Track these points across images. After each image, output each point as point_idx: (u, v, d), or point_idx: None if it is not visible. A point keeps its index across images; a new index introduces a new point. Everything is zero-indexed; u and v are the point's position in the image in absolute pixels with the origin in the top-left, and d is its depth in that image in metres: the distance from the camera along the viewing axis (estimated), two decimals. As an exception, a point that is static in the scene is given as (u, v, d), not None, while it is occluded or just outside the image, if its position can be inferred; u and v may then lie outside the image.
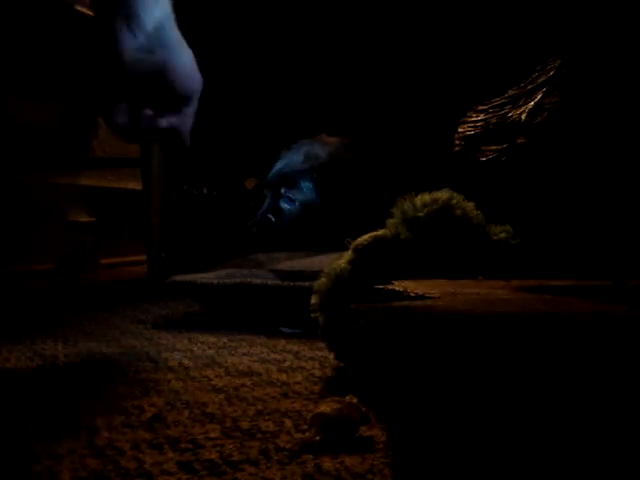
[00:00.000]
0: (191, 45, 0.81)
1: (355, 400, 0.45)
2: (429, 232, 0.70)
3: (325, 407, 0.45)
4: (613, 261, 0.76)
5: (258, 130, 1.52)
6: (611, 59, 0.84)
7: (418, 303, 0.48)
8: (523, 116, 0.86)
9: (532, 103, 0.87)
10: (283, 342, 0.81)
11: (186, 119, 0.79)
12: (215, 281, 0.93)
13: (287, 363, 0.70)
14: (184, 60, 0.77)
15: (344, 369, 0.65)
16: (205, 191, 1.55)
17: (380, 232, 0.67)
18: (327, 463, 0.40)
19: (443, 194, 0.73)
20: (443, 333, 0.36)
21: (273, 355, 0.74)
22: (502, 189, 0.86)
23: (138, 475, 0.39)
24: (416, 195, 0.73)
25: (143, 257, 1.51)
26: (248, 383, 0.60)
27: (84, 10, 1.27)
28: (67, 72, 1.46)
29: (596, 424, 0.29)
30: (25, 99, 1.63)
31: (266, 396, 0.57)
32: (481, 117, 0.96)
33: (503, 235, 0.74)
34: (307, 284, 0.72)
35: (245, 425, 0.48)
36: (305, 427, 0.47)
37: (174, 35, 0.75)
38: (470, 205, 0.73)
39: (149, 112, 0.72)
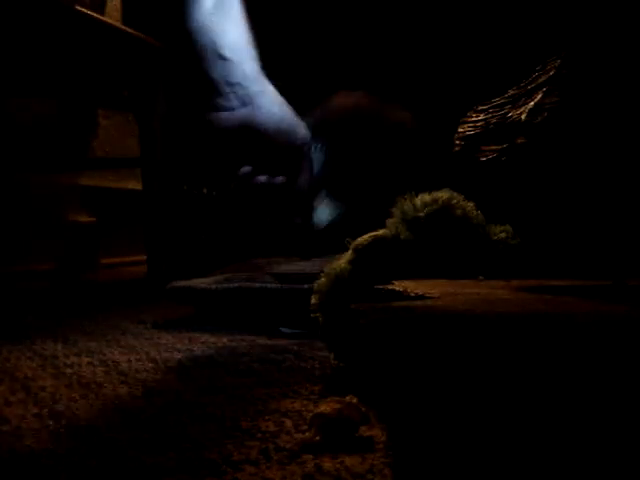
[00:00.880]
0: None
1: (355, 400, 0.45)
2: (429, 232, 0.70)
3: (325, 407, 0.45)
4: (613, 261, 0.76)
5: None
6: (611, 59, 0.84)
7: (418, 303, 0.48)
8: (523, 116, 0.86)
9: (532, 103, 0.87)
10: (283, 342, 0.81)
11: (297, 173, 0.79)
12: (214, 286, 0.93)
13: (287, 363, 0.70)
14: (280, 116, 0.77)
15: (344, 369, 0.65)
16: (205, 191, 1.55)
17: (380, 232, 0.67)
18: (327, 463, 0.40)
19: (443, 194, 0.73)
20: (443, 333, 0.36)
21: (273, 355, 0.74)
22: (502, 189, 0.86)
23: (138, 475, 0.39)
24: (416, 195, 0.73)
25: (143, 257, 1.51)
26: (248, 383, 0.60)
27: (84, 10, 1.27)
28: (67, 72, 1.46)
29: (596, 424, 0.29)
30: (25, 99, 1.63)
31: (266, 396, 0.57)
32: (481, 117, 0.96)
33: (503, 235, 0.74)
34: (306, 286, 0.72)
35: (245, 425, 0.48)
36: (305, 427, 0.47)
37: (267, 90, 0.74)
38: (470, 205, 0.73)
39: (262, 177, 0.72)
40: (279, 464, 0.40)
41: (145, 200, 1.47)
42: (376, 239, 0.66)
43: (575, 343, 0.33)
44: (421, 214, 0.70)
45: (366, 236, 0.67)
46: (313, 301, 0.67)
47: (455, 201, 0.72)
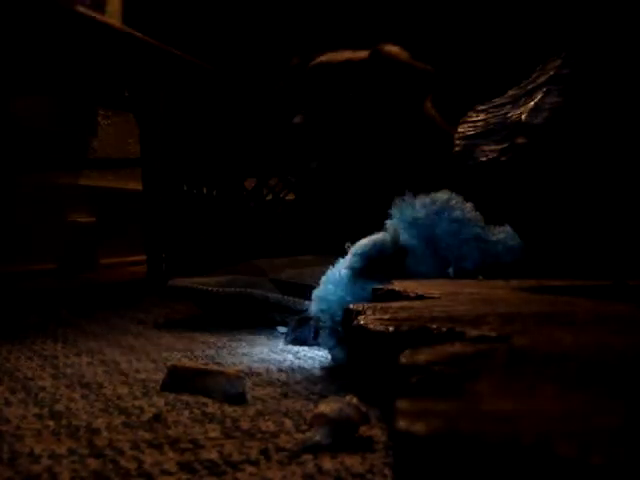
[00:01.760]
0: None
1: (355, 400, 0.45)
2: (428, 233, 0.70)
3: (325, 407, 0.45)
4: (613, 261, 0.76)
5: (259, 131, 1.52)
6: (612, 59, 0.84)
7: (418, 303, 0.48)
8: (523, 116, 0.86)
9: (532, 103, 0.87)
10: (283, 342, 0.81)
11: None
12: (214, 289, 0.93)
13: (287, 363, 0.70)
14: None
15: (344, 369, 0.65)
16: (205, 191, 1.55)
17: (379, 235, 0.67)
18: (327, 463, 0.40)
19: (442, 195, 0.73)
20: (442, 332, 0.36)
21: (273, 355, 0.74)
22: (502, 189, 0.86)
23: (138, 475, 0.39)
24: (415, 196, 0.73)
25: (143, 257, 1.51)
26: (248, 383, 0.60)
27: (85, 11, 1.27)
28: (68, 72, 1.46)
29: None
30: (25, 99, 1.63)
31: (266, 396, 0.57)
32: (481, 117, 0.96)
33: (502, 235, 0.74)
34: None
35: (245, 425, 0.48)
36: (305, 427, 0.47)
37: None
38: (469, 206, 0.73)
39: None
40: (279, 464, 0.40)
41: (145, 200, 1.48)
42: (375, 243, 0.66)
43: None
44: (420, 215, 0.70)
45: (365, 240, 0.67)
46: (312, 308, 0.67)
47: (454, 202, 0.72)
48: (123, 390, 0.59)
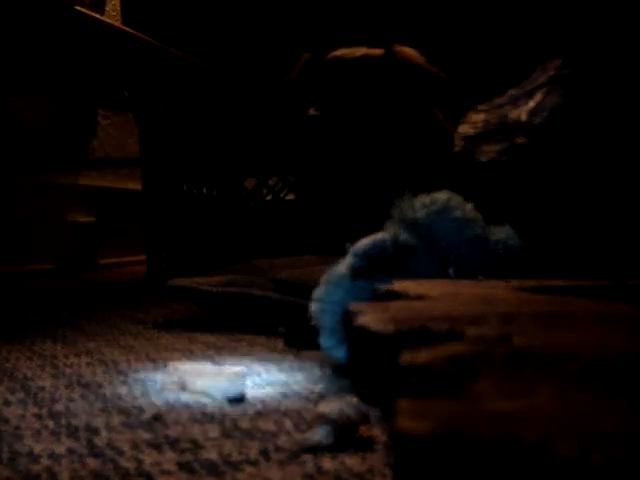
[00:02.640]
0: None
1: (355, 400, 0.45)
2: (428, 233, 0.70)
3: (325, 407, 0.45)
4: (613, 261, 0.76)
5: (260, 131, 1.52)
6: (612, 59, 0.84)
7: (418, 303, 0.48)
8: (523, 116, 0.86)
9: (532, 103, 0.87)
10: (283, 342, 0.81)
11: None
12: (214, 289, 0.93)
13: (287, 363, 0.70)
14: None
15: (344, 369, 0.65)
16: (205, 191, 1.55)
17: (379, 235, 0.67)
18: (327, 463, 0.40)
19: (442, 195, 0.73)
20: (442, 332, 0.36)
21: (273, 355, 0.74)
22: (502, 189, 0.86)
23: (137, 475, 0.39)
24: (415, 196, 0.73)
25: (143, 257, 1.51)
26: (248, 383, 0.60)
27: (84, 10, 1.27)
28: (67, 72, 1.46)
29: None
30: (25, 99, 1.63)
31: (266, 396, 0.57)
32: (481, 117, 0.96)
33: (502, 235, 0.74)
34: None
35: (245, 425, 0.48)
36: (305, 427, 0.47)
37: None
38: (469, 206, 0.73)
39: None
40: (279, 464, 0.40)
41: (145, 200, 1.47)
42: (375, 243, 0.66)
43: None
44: (420, 215, 0.70)
45: (365, 240, 0.67)
46: (312, 308, 0.67)
47: (454, 202, 0.72)
48: (122, 390, 0.59)
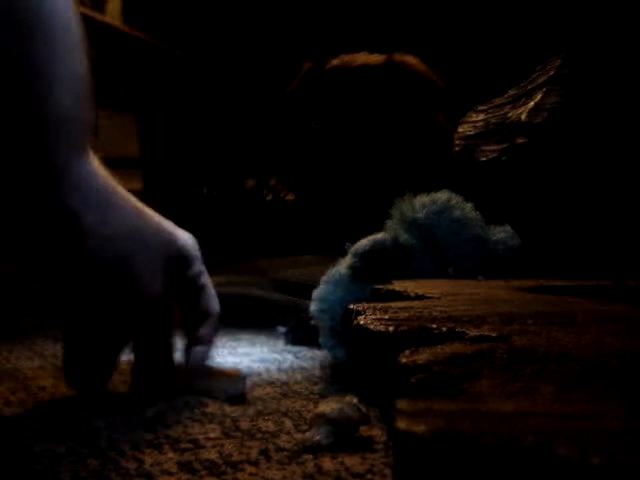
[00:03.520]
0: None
1: (355, 400, 0.46)
2: (428, 233, 0.70)
3: (325, 407, 0.45)
4: (613, 261, 0.76)
5: (261, 131, 1.52)
6: (611, 59, 0.84)
7: (418, 303, 0.48)
8: (523, 116, 0.86)
9: (532, 103, 0.87)
10: (283, 342, 0.81)
11: None
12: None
13: (287, 363, 0.70)
14: None
15: (344, 369, 0.65)
16: (205, 191, 1.55)
17: (379, 235, 0.67)
18: (327, 463, 0.40)
19: (442, 195, 0.73)
20: (442, 332, 0.36)
21: (273, 355, 0.74)
22: (502, 189, 0.86)
23: (138, 475, 0.39)
24: (415, 196, 0.73)
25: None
26: (248, 383, 0.60)
27: (84, 10, 1.27)
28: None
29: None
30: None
31: (266, 396, 0.57)
32: (481, 117, 0.96)
33: (502, 235, 0.74)
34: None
35: (245, 425, 0.48)
36: (305, 427, 0.47)
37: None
38: (469, 206, 0.73)
39: None
40: (279, 464, 0.40)
41: (145, 200, 1.47)
42: (375, 243, 0.66)
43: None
44: (420, 215, 0.70)
45: (365, 240, 0.67)
46: (312, 308, 0.67)
47: (454, 202, 0.72)
48: (122, 389, 0.59)
